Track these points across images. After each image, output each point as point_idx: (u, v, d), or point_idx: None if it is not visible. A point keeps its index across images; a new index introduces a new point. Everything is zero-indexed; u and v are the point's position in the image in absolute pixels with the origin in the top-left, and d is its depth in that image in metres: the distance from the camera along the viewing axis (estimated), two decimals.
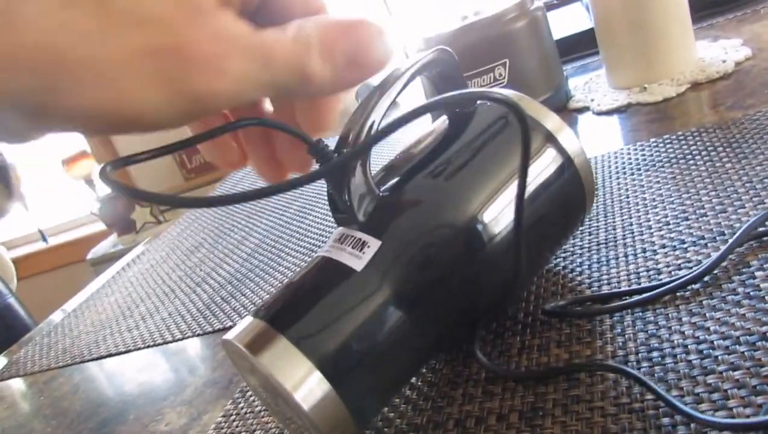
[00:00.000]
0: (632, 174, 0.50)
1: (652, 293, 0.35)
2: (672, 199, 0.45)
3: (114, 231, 2.59)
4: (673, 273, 0.37)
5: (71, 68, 0.20)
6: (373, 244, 0.32)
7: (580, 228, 0.45)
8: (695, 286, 0.35)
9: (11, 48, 0.19)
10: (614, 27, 0.65)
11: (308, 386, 0.28)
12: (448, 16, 0.67)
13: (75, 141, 2.82)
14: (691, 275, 0.35)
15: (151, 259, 0.87)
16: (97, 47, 0.20)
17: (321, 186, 0.83)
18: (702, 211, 0.42)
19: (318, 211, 0.74)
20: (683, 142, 0.52)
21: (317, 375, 0.28)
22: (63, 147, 2.72)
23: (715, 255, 0.36)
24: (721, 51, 0.67)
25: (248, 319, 0.31)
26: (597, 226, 0.45)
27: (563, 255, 0.43)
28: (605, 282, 0.38)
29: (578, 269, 0.41)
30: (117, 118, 0.21)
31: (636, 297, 0.35)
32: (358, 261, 0.32)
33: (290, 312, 0.31)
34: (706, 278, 0.35)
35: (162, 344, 0.60)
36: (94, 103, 0.21)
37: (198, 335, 0.58)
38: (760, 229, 0.36)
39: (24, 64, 0.20)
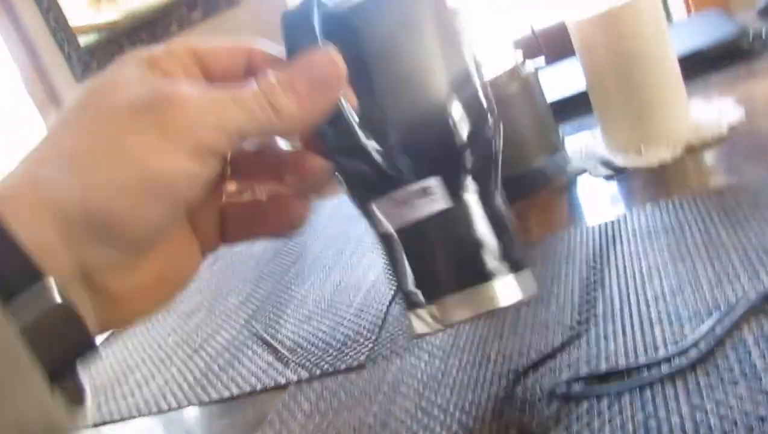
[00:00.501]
0: (629, 242, 0.51)
1: (649, 374, 0.36)
2: (668, 269, 0.45)
3: None
4: (670, 348, 0.37)
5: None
6: (431, 181, 0.35)
7: (580, 301, 0.46)
8: (693, 361, 0.35)
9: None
10: (606, 90, 0.67)
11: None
12: None
13: None
14: (688, 352, 0.36)
15: (146, 321, 0.87)
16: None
17: (316, 250, 0.84)
18: (698, 282, 0.42)
19: (316, 276, 0.75)
20: (679, 208, 0.53)
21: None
22: None
23: (711, 331, 0.36)
24: (715, 112, 0.69)
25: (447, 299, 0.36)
26: (595, 297, 0.46)
27: (561, 330, 0.44)
28: (603, 357, 0.39)
29: (576, 342, 0.42)
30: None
31: (635, 377, 0.36)
32: (440, 201, 0.35)
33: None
34: (704, 351, 0.35)
35: (159, 413, 0.60)
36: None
37: (197, 405, 0.58)
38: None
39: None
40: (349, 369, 0.51)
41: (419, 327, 0.37)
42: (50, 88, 2.90)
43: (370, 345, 0.52)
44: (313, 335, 0.59)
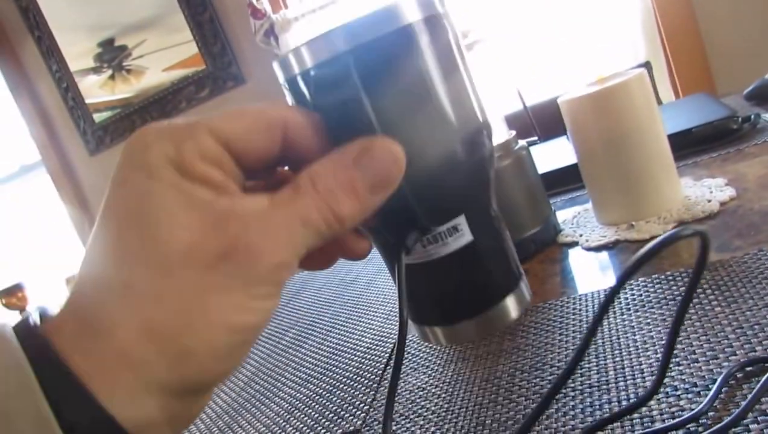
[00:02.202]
0: (622, 314, 0.52)
1: None
2: (663, 341, 0.46)
3: None
4: (666, 421, 0.37)
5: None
6: (458, 219, 0.37)
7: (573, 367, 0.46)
8: None
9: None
10: (596, 167, 0.69)
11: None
12: None
13: (78, 260, 2.90)
14: (686, 426, 0.36)
15: None
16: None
17: (313, 314, 0.84)
18: (693, 356, 0.43)
19: (313, 340, 0.74)
20: (672, 282, 0.54)
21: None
22: (67, 266, 2.85)
23: (711, 406, 0.36)
24: (705, 190, 0.71)
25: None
26: (589, 368, 0.46)
27: (556, 396, 0.44)
28: (599, 429, 0.39)
29: (571, 413, 0.42)
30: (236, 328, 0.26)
31: None
32: (466, 236, 0.37)
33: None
34: (702, 426, 0.36)
35: None
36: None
37: None
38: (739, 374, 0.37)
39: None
40: None
41: (431, 338, 0.39)
42: (65, 160, 3.03)
43: (366, 409, 0.52)
44: (310, 398, 0.59)
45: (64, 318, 0.25)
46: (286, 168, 0.33)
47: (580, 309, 0.55)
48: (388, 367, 0.57)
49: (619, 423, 0.39)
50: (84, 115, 2.90)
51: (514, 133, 0.72)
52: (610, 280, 0.59)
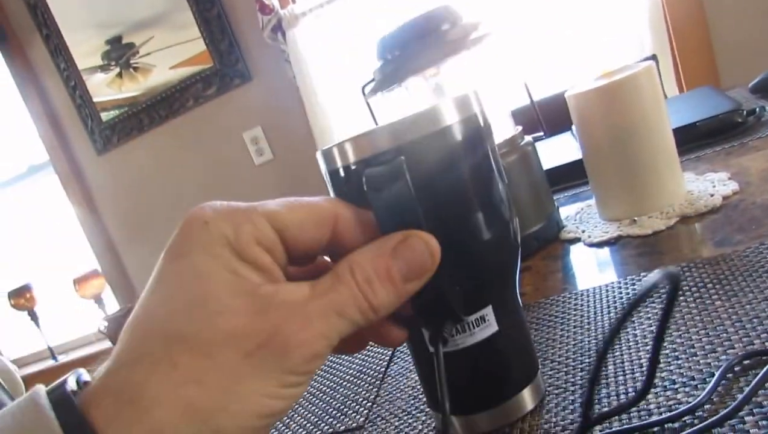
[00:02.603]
0: (623, 309, 0.52)
1: None
2: (663, 337, 0.46)
3: None
4: (663, 414, 0.38)
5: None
6: (486, 310, 0.39)
7: (573, 364, 0.47)
8: (686, 429, 0.36)
9: None
10: (602, 161, 0.69)
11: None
12: None
13: (86, 260, 2.94)
14: (682, 419, 0.36)
15: None
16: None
17: None
18: (692, 350, 0.43)
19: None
20: None
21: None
22: (75, 266, 2.85)
23: (708, 399, 0.37)
24: (708, 184, 0.71)
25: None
26: (589, 363, 0.46)
27: (555, 391, 0.44)
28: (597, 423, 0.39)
29: (570, 407, 0.42)
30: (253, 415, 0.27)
31: None
32: (492, 326, 0.39)
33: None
34: (698, 419, 0.36)
35: None
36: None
37: None
38: (737, 368, 0.38)
39: None
40: (347, 431, 0.51)
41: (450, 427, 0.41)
42: (72, 160, 3.04)
43: (369, 405, 0.53)
44: (314, 395, 0.60)
45: (101, 390, 0.26)
46: (327, 258, 0.35)
47: (581, 305, 0.55)
48: (392, 363, 0.58)
49: (616, 417, 0.39)
50: (92, 114, 2.91)
51: (520, 128, 0.73)
52: (611, 276, 0.60)
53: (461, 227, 0.37)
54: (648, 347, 0.46)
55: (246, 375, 0.26)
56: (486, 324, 0.39)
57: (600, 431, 0.39)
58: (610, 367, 0.45)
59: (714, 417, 0.36)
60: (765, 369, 0.38)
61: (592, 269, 0.63)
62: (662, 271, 0.32)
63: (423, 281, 0.31)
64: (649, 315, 0.50)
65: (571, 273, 0.64)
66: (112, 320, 2.51)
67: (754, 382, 0.37)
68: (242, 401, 0.26)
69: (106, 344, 2.79)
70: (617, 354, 0.46)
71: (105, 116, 2.90)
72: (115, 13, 2.71)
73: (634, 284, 0.56)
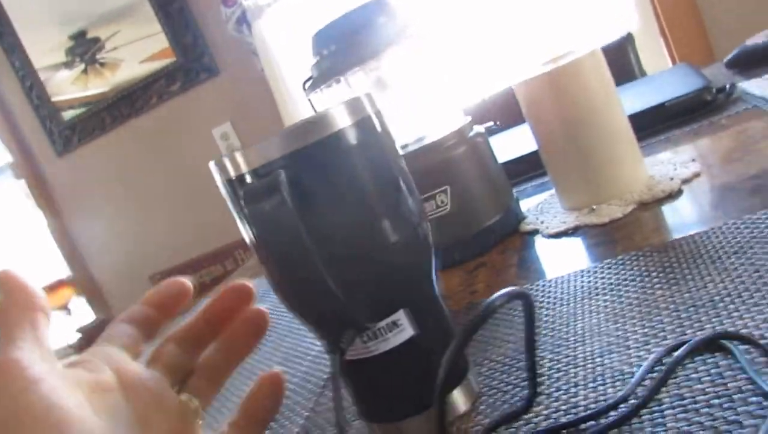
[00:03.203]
0: (569, 303, 0.52)
1: None
2: (602, 329, 0.46)
3: None
4: (588, 409, 0.38)
5: None
6: (398, 314, 0.39)
7: (511, 363, 0.47)
8: (610, 425, 0.36)
9: None
10: (557, 151, 0.69)
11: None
12: None
13: (53, 268, 2.90)
14: (607, 415, 0.37)
15: None
16: None
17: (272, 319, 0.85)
18: (626, 343, 0.43)
19: (270, 344, 0.75)
20: (621, 267, 0.54)
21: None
22: (41, 275, 2.80)
23: (632, 393, 0.37)
24: (670, 168, 0.71)
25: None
26: (531, 360, 0.46)
27: (489, 391, 0.45)
28: (523, 422, 0.40)
29: (502, 408, 0.42)
30: None
31: None
32: (407, 331, 0.39)
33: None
34: (618, 415, 0.36)
35: None
36: None
37: None
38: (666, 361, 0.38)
39: None
40: None
41: None
42: (32, 162, 3.00)
43: (307, 415, 0.53)
44: None
45: None
46: None
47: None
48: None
49: (533, 414, 0.40)
50: (50, 114, 2.86)
51: (469, 118, 0.73)
52: (564, 269, 0.60)
53: (359, 233, 0.37)
54: (591, 341, 0.46)
55: None
56: (399, 329, 0.39)
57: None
58: (546, 363, 0.45)
59: (625, 411, 0.36)
60: (673, 358, 0.38)
61: (547, 262, 0.64)
62: (508, 292, 0.32)
63: None
64: (592, 308, 0.50)
65: (526, 267, 0.64)
66: (85, 332, 2.48)
67: (662, 373, 0.38)
68: None
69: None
70: (556, 350, 0.46)
71: (69, 115, 2.84)
72: (78, 7, 2.66)
73: (582, 276, 0.56)
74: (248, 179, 0.35)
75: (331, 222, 0.36)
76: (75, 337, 2.56)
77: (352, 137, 0.37)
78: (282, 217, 0.32)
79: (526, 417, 0.40)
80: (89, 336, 2.49)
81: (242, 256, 2.76)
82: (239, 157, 0.35)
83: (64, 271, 2.98)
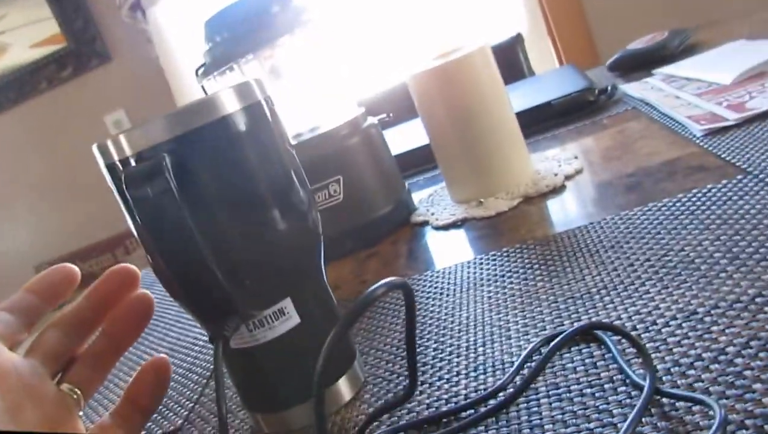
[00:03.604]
0: (455, 293, 0.53)
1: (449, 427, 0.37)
2: (485, 319, 0.48)
3: None
4: (468, 398, 0.39)
5: None
6: (284, 302, 0.38)
7: (396, 352, 0.47)
8: (488, 413, 0.37)
9: None
10: (446, 144, 0.70)
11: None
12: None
13: None
14: (487, 403, 0.37)
15: None
16: None
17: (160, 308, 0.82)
18: (508, 333, 0.45)
19: (156, 334, 0.73)
20: (505, 258, 0.56)
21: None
22: None
23: (511, 381, 0.38)
24: (555, 164, 0.74)
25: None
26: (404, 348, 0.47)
27: (375, 380, 0.45)
28: (405, 410, 0.40)
29: (386, 397, 0.43)
30: None
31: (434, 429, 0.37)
32: (293, 319, 0.39)
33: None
34: (497, 403, 0.37)
35: None
36: None
37: None
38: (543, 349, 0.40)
39: None
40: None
41: (269, 427, 0.42)
42: None
43: (191, 405, 0.52)
44: None
45: None
46: None
47: (415, 291, 0.56)
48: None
49: (416, 402, 0.40)
50: None
51: (363, 109, 0.73)
52: (451, 260, 0.61)
53: (246, 220, 0.36)
54: (474, 331, 0.47)
55: None
56: (286, 317, 0.39)
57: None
58: (430, 352, 0.46)
59: (502, 399, 0.37)
60: (549, 348, 0.40)
61: (435, 253, 0.65)
62: (388, 282, 0.32)
63: None
64: (476, 298, 0.51)
65: (413, 257, 0.65)
66: None
67: (539, 363, 0.39)
68: None
69: None
70: (441, 340, 0.47)
71: None
72: None
73: (468, 267, 0.57)
74: (132, 163, 0.34)
75: (217, 209, 0.35)
76: None
77: (240, 122, 0.36)
78: (165, 202, 0.31)
79: (408, 406, 0.41)
80: None
81: (133, 246, 2.71)
82: (123, 140, 0.34)
83: None
